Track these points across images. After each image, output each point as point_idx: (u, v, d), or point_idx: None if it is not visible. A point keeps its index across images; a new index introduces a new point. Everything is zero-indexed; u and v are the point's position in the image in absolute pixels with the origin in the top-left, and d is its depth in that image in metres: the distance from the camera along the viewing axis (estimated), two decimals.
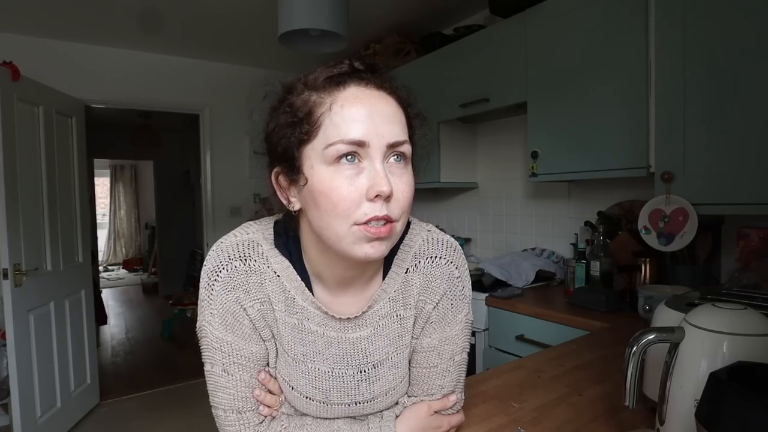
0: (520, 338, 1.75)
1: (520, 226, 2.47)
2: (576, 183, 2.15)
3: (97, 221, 6.30)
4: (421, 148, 0.65)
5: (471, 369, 1.93)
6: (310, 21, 1.64)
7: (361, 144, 0.55)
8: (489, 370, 1.11)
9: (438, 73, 2.45)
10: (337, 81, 0.57)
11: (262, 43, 2.99)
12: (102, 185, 8.97)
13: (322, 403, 0.68)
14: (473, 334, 1.95)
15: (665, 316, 0.76)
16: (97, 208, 6.98)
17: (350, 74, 0.58)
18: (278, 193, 0.63)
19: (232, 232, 0.66)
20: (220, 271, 0.62)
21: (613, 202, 1.98)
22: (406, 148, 0.58)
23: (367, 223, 0.55)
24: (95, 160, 5.68)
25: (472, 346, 1.93)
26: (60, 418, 2.54)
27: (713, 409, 0.50)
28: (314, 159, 0.56)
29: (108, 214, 9.11)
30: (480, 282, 2.09)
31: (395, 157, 0.57)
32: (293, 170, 0.58)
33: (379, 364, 0.68)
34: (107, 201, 9.14)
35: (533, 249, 2.33)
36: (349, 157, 0.55)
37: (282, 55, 2.80)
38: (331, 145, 0.55)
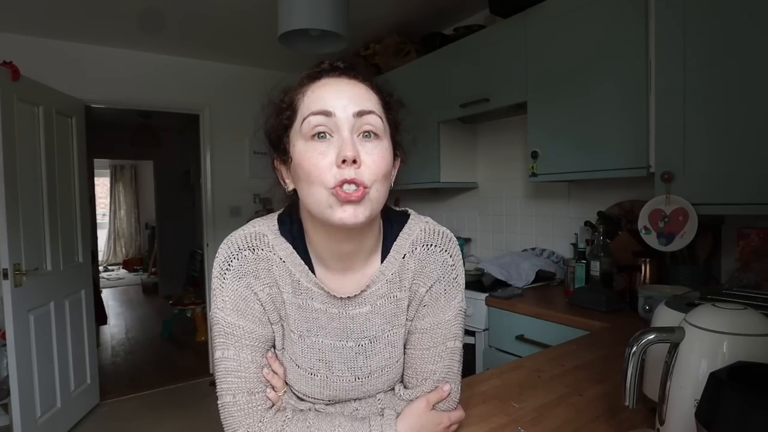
0: (520, 338, 1.75)
1: (520, 226, 2.47)
2: (576, 183, 2.15)
3: (97, 221, 6.30)
4: (405, 132, 0.72)
5: (471, 369, 1.92)
6: (310, 21, 1.63)
7: (327, 113, 0.62)
8: (489, 370, 1.11)
9: (438, 73, 2.45)
10: (313, 76, 0.67)
11: (262, 43, 2.99)
12: (102, 185, 8.97)
13: (326, 378, 0.72)
14: (473, 334, 1.95)
15: (665, 316, 0.76)
16: (97, 208, 6.98)
17: (325, 70, 0.66)
18: (278, 177, 0.71)
19: (240, 227, 0.71)
20: (232, 261, 0.68)
21: (613, 202, 1.98)
22: (375, 120, 0.63)
23: (338, 186, 0.60)
24: (95, 160, 5.67)
25: (472, 346, 1.94)
26: (60, 418, 2.54)
27: (713, 409, 0.50)
28: (295, 138, 0.65)
29: (108, 214, 9.11)
30: (480, 282, 2.09)
31: (365, 134, 0.63)
32: (285, 153, 0.67)
33: (375, 339, 0.73)
34: (107, 201, 9.14)
35: (533, 249, 2.33)
36: (321, 134, 0.62)
37: (282, 55, 2.81)
38: (304, 119, 0.63)
